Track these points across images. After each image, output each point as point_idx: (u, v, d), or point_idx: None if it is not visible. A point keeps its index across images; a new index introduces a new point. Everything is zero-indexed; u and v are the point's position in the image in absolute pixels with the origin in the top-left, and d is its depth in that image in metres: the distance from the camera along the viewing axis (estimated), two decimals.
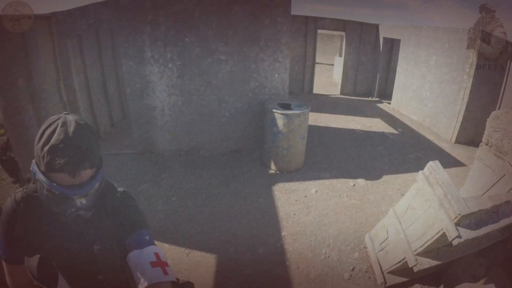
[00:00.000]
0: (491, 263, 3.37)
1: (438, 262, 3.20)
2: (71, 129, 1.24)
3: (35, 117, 4.95)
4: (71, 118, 1.29)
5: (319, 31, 12.11)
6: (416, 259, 3.14)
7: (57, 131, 1.22)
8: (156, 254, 1.41)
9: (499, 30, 7.55)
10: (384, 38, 12.40)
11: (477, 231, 2.87)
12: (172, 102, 6.20)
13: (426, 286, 3.60)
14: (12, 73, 4.66)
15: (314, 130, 7.86)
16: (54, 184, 1.24)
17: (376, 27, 12.64)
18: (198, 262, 3.82)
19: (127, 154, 6.41)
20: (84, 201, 1.32)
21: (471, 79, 7.98)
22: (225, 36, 5.95)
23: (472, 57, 7.93)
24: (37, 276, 1.41)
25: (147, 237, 1.45)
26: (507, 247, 3.28)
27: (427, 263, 3.16)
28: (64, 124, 1.25)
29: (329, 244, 4.10)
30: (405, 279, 3.54)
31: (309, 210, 4.83)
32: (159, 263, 1.39)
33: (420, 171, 3.30)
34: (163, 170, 5.94)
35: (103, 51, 7.32)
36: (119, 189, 1.58)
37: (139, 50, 5.82)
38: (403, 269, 3.43)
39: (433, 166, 3.17)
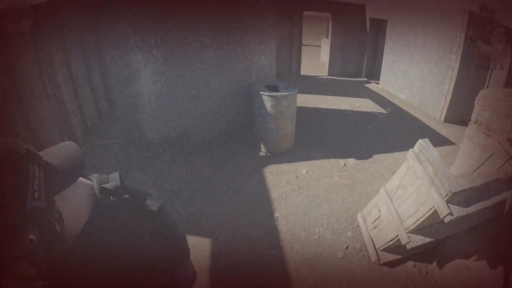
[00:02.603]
0: (482, 240, 3.40)
1: (431, 239, 3.22)
2: None
3: (19, 113, 4.83)
4: None
5: (305, 12, 12.00)
6: (409, 237, 3.15)
7: None
8: None
9: (499, 30, 7.58)
10: (371, 19, 12.35)
11: (468, 208, 2.90)
12: (158, 89, 6.09)
13: (419, 263, 3.64)
14: None
15: (303, 112, 7.83)
16: None
17: (362, 7, 12.56)
18: (193, 247, 3.80)
19: (115, 144, 6.32)
20: None
21: (458, 59, 8.00)
22: (209, 18, 5.80)
23: (459, 37, 7.94)
24: None
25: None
26: (496, 224, 3.32)
27: (420, 240, 3.19)
28: None
29: (322, 224, 4.12)
30: (398, 257, 3.58)
31: (301, 191, 4.83)
32: None
33: (410, 149, 3.30)
34: (153, 157, 5.87)
35: (85, 41, 7.13)
36: (152, 205, 1.07)
37: (121, 37, 5.66)
38: (396, 247, 3.46)
39: (422, 144, 3.17)
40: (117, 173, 1.09)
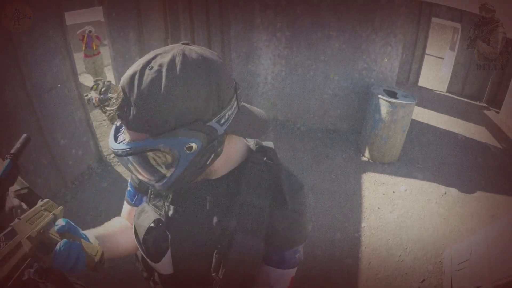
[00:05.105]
0: None
1: None
2: (155, 66, 0.82)
3: None
4: (181, 50, 0.87)
5: (433, 19, 11.01)
6: None
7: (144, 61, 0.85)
8: (292, 279, 1.14)
9: (499, 30, 7.53)
10: (505, 38, 10.78)
11: None
12: (276, 71, 6.31)
13: None
14: (125, 26, 5.26)
15: (414, 125, 7.37)
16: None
17: (496, 24, 11.03)
18: None
19: None
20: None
21: None
22: (338, 11, 5.75)
23: None
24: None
25: (296, 256, 1.10)
26: None
27: None
28: (163, 61, 0.84)
29: (406, 248, 4.05)
30: None
31: (394, 207, 4.75)
32: None
33: None
34: None
35: (211, 14, 7.55)
36: (293, 182, 1.11)
37: (249, 16, 5.98)
38: None
39: None
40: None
